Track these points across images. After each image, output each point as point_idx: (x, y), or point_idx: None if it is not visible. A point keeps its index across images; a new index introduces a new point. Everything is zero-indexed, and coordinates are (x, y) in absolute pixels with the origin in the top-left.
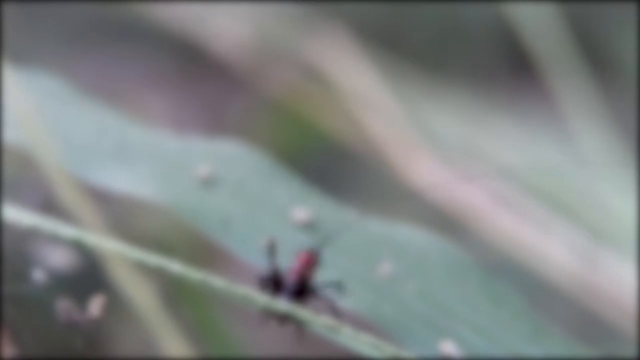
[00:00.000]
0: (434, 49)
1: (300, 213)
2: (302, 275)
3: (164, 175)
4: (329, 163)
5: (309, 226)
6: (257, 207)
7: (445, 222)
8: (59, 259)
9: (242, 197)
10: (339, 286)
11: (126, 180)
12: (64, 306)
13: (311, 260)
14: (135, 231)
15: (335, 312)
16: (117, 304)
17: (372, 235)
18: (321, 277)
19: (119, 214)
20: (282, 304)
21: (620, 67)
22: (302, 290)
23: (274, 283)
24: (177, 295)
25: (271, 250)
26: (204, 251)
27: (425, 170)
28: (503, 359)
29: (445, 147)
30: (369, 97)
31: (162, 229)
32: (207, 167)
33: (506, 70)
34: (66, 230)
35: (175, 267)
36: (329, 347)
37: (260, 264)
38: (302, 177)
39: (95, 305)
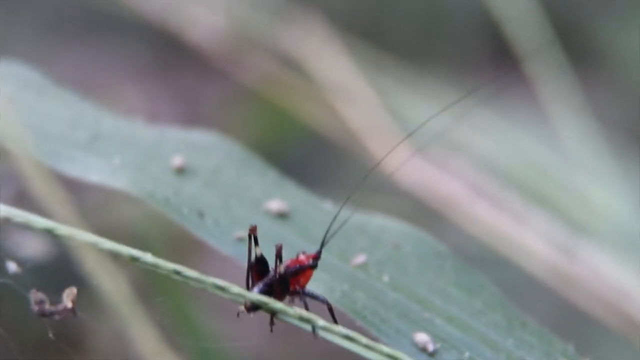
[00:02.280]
0: (415, 40)
1: (274, 203)
2: (284, 273)
3: (138, 165)
4: (307, 153)
5: (283, 216)
6: (231, 197)
7: (424, 212)
8: (33, 250)
9: (216, 187)
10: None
11: (100, 171)
12: (36, 297)
13: (304, 262)
14: (113, 222)
15: (307, 305)
16: (90, 294)
17: (347, 226)
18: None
19: (96, 204)
20: (253, 294)
21: (605, 58)
22: (281, 287)
23: (259, 272)
24: (153, 286)
25: (254, 239)
26: (182, 241)
27: (403, 160)
28: (477, 349)
29: (423, 137)
30: (347, 87)
31: (140, 219)
32: (181, 157)
33: (488, 61)
34: (38, 222)
35: (148, 257)
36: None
37: (233, 253)
38: (279, 166)
39: (68, 296)
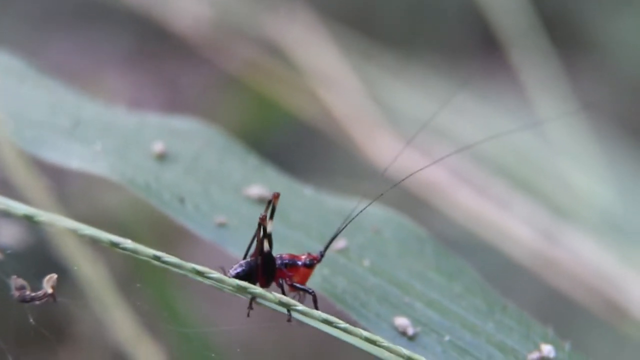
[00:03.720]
0: (402, 28)
1: (255, 189)
2: (269, 254)
3: (119, 151)
4: (290, 140)
5: (264, 201)
6: (212, 182)
7: (407, 198)
8: (14, 236)
9: (197, 173)
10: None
11: (81, 157)
12: (17, 283)
13: (300, 259)
14: (96, 209)
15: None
16: (70, 281)
17: (327, 211)
18: (276, 250)
19: (79, 191)
20: (233, 280)
21: (591, 45)
22: (265, 271)
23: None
24: (136, 273)
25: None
26: (166, 228)
27: (387, 147)
28: (457, 332)
29: (407, 124)
30: (331, 75)
31: (124, 206)
32: (162, 144)
33: (475, 49)
34: (19, 208)
35: (128, 243)
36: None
37: (213, 239)
38: (262, 153)
39: (48, 283)
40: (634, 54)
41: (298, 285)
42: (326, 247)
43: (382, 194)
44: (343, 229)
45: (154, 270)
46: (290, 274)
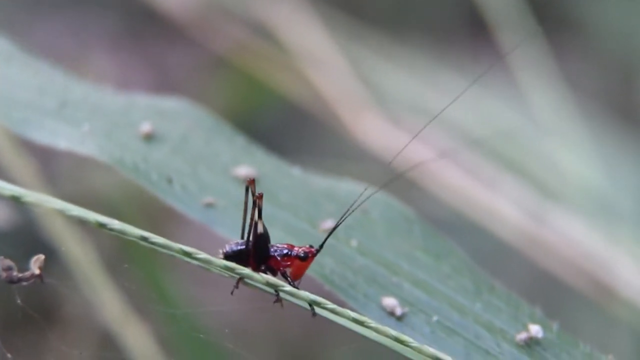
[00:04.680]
0: (390, 8)
1: (243, 169)
2: (262, 234)
3: (107, 132)
4: (279, 121)
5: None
6: (200, 163)
7: (396, 179)
8: (0, 216)
9: (185, 153)
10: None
11: (68, 138)
12: (4, 264)
13: (297, 251)
14: (86, 190)
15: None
16: (59, 262)
17: (315, 191)
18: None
19: (67, 172)
20: (222, 261)
21: (580, 28)
22: (257, 254)
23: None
24: (126, 255)
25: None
26: (156, 210)
27: (374, 128)
28: (445, 313)
29: (395, 105)
30: (320, 56)
31: (114, 187)
32: (150, 124)
33: (463, 30)
34: (5, 188)
35: (115, 223)
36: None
37: (201, 219)
38: (251, 134)
39: (35, 263)
40: (621, 36)
41: (289, 279)
42: (324, 241)
43: (386, 184)
44: (343, 219)
45: (143, 251)
46: (284, 264)
